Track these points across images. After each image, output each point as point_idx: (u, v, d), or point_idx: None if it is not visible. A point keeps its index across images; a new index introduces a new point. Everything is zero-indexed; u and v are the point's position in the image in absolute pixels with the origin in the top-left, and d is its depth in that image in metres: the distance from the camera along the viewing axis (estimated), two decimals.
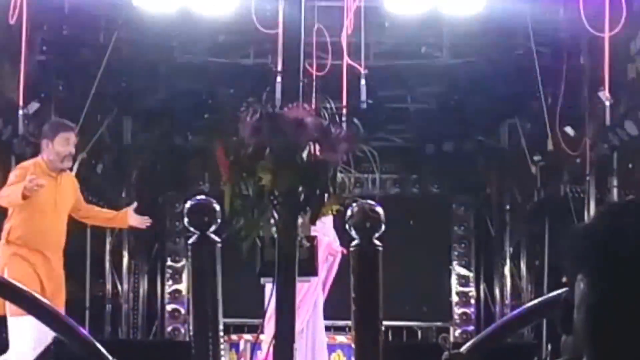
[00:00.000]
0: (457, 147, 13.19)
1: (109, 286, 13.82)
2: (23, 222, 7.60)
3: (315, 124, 3.82)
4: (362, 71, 9.24)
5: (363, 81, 9.36)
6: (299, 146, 3.82)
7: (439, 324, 13.27)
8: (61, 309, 7.45)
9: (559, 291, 2.59)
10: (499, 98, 12.09)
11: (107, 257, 13.80)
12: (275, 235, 3.99)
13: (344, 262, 7.68)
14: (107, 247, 13.80)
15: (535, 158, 11.68)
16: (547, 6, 9.50)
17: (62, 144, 7.70)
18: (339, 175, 3.90)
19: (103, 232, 13.69)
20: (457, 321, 13.23)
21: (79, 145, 11.80)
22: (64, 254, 8.60)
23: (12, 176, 7.68)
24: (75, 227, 12.92)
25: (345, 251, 7.64)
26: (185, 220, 4.09)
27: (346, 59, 9.11)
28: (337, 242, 7.72)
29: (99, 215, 8.73)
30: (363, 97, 9.22)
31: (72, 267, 13.12)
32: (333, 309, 8.12)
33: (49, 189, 7.38)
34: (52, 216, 7.71)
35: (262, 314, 7.19)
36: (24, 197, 7.21)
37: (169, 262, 14.05)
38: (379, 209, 4.00)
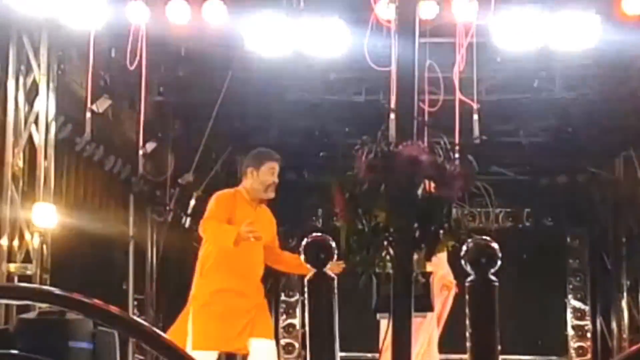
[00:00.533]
0: (571, 180, 13.07)
1: None
2: (220, 253, 7.49)
3: (430, 161, 3.87)
4: (475, 106, 9.24)
5: (476, 116, 9.36)
6: (414, 183, 3.87)
7: (554, 358, 13.11)
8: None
9: None
10: (613, 130, 11.94)
11: None
12: (391, 272, 4.04)
13: (458, 297, 7.68)
14: None
15: None
16: None
17: (267, 174, 7.69)
18: (454, 212, 3.94)
19: None
20: (573, 355, 13.05)
21: (195, 182, 12.11)
22: None
23: (214, 206, 7.56)
24: (190, 263, 13.20)
25: (458, 288, 7.64)
26: (302, 257, 4.17)
27: (458, 95, 9.13)
28: (451, 276, 7.73)
29: (290, 261, 7.99)
30: (476, 132, 9.22)
31: (187, 302, 13.40)
32: (448, 343, 8.11)
33: (248, 218, 7.24)
34: (251, 247, 7.40)
35: (375, 349, 7.24)
36: (236, 243, 7.12)
37: (282, 297, 14.18)
38: (495, 245, 4.02)
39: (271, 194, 7.67)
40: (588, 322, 13.28)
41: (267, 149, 7.94)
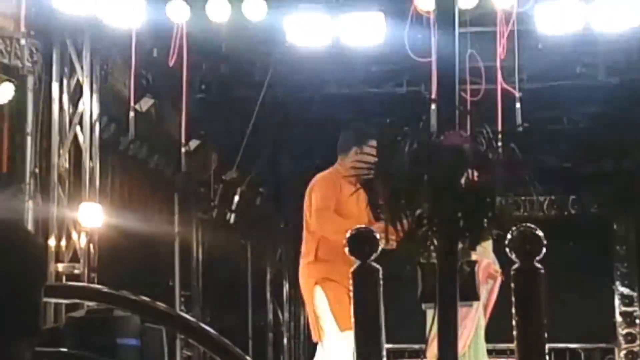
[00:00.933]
0: (616, 166, 12.95)
1: (270, 315, 14.06)
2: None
3: (473, 150, 3.86)
4: (517, 94, 9.19)
5: (518, 104, 9.31)
6: (457, 173, 3.87)
7: (603, 345, 13.03)
8: None
9: None
10: None
11: (268, 287, 14.05)
12: (436, 262, 4.04)
13: (505, 285, 7.65)
14: (268, 277, 14.07)
15: None
16: None
17: (371, 152, 7.64)
18: (498, 200, 3.93)
19: (263, 263, 13.98)
20: (622, 342, 12.96)
21: (239, 178, 12.17)
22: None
23: (319, 196, 7.71)
24: (235, 259, 13.29)
25: (503, 277, 7.60)
26: (347, 250, 4.18)
27: (500, 83, 9.08)
28: (497, 265, 7.69)
29: None
30: (518, 120, 9.16)
31: (234, 298, 13.50)
32: (494, 331, 8.08)
33: (354, 198, 7.17)
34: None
35: (422, 340, 7.22)
36: None
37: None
38: (540, 232, 4.01)
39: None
40: (636, 308, 13.18)
41: (366, 126, 7.87)
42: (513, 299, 4.09)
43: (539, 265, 4.03)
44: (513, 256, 4.05)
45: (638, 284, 13.20)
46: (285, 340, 14.16)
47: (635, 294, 13.14)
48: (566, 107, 12.09)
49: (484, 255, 6.93)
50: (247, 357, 4.03)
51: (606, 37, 9.54)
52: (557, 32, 9.21)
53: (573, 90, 11.15)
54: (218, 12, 9.19)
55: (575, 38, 9.44)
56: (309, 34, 9.39)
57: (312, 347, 14.36)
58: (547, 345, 4.15)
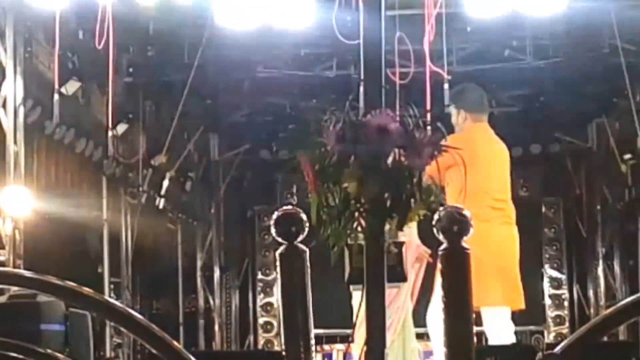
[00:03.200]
0: (545, 149, 13.07)
1: (201, 301, 13.99)
2: None
3: (399, 130, 3.82)
4: (445, 76, 9.21)
5: (446, 86, 9.33)
6: (384, 153, 3.82)
7: (532, 327, 13.14)
8: None
9: None
10: (585, 98, 11.95)
11: (199, 273, 13.97)
12: (363, 243, 4.00)
13: (429, 268, 7.64)
14: (199, 263, 13.98)
15: (625, 157, 11.52)
16: (631, 1, 9.36)
17: None
18: (425, 180, 3.90)
19: (194, 248, 13.89)
20: (551, 324, 13.09)
21: (168, 163, 12.04)
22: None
23: None
24: (165, 245, 13.18)
25: (431, 259, 7.59)
26: (273, 230, 4.11)
27: (429, 65, 9.08)
28: (423, 247, 7.66)
29: None
30: (447, 101, 9.18)
31: (164, 284, 13.40)
32: (422, 314, 8.06)
33: None
34: None
35: (350, 324, 7.20)
36: None
37: (259, 276, 14.17)
38: (467, 212, 3.98)
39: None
40: (565, 291, 13.33)
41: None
42: (440, 279, 4.06)
43: (466, 246, 4.00)
44: (440, 237, 4.01)
45: (567, 266, 13.34)
46: (216, 327, 14.10)
47: (563, 277, 13.29)
48: (495, 90, 12.14)
49: (411, 237, 6.91)
50: (175, 343, 3.96)
51: (533, 21, 9.59)
52: (486, 15, 9.24)
53: (501, 73, 11.21)
54: None
55: (504, 21, 9.48)
56: (237, 16, 9.30)
57: (243, 333, 14.37)
58: (477, 328, 4.15)
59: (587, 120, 12.83)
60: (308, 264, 4.22)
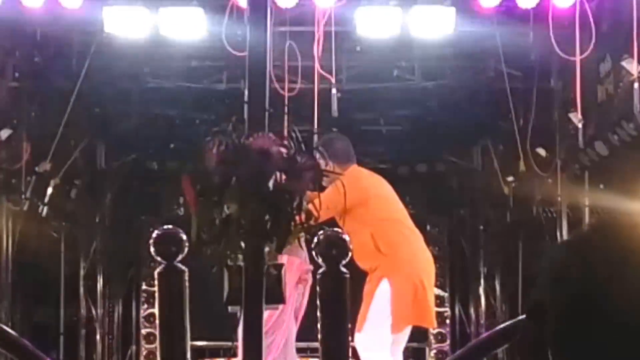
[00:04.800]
0: (430, 169, 13.27)
1: (83, 311, 13.78)
2: None
3: (281, 154, 3.85)
4: (332, 81, 9.28)
5: (334, 90, 9.38)
6: (265, 175, 3.84)
7: (414, 344, 13.27)
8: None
9: (523, 317, 2.63)
10: (471, 120, 12.17)
11: (82, 282, 13.77)
12: (242, 264, 4.01)
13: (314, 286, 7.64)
14: (82, 272, 13.78)
15: (508, 179, 11.76)
16: (517, 29, 9.58)
17: None
18: (304, 204, 3.93)
19: (77, 257, 13.68)
20: (433, 341, 13.24)
21: (52, 170, 11.85)
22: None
23: None
24: (49, 252, 12.96)
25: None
26: (152, 250, 4.10)
27: (317, 72, 9.13)
28: (308, 263, 7.64)
29: None
30: (334, 108, 9.24)
31: (46, 292, 13.17)
32: (304, 331, 8.06)
33: None
34: None
35: (230, 338, 7.17)
36: None
37: (144, 287, 14.01)
38: (345, 236, 4.03)
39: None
40: (447, 309, 13.49)
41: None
42: (318, 302, 4.10)
43: (344, 270, 4.05)
44: (319, 260, 4.05)
45: (449, 284, 13.53)
46: (98, 337, 13.90)
47: (446, 295, 13.45)
48: (383, 109, 12.29)
49: (295, 253, 6.92)
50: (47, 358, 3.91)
51: (422, 42, 9.74)
52: (375, 35, 9.36)
53: (390, 92, 11.35)
54: None
55: (393, 42, 9.61)
56: (127, 26, 9.23)
57: (126, 344, 14.21)
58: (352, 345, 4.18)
59: (472, 141, 13.06)
60: (187, 283, 4.22)
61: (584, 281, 1.58)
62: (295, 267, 7.25)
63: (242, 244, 3.96)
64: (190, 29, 9.29)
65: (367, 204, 6.97)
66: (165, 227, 4.16)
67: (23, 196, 11.42)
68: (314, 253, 4.00)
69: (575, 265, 1.60)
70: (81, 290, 13.78)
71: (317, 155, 6.77)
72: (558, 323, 1.60)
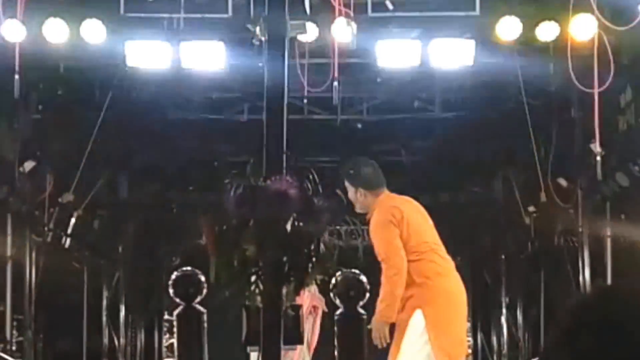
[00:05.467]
0: (452, 199, 13.24)
1: (106, 340, 13.82)
2: None
3: (298, 196, 3.87)
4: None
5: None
6: (282, 218, 3.87)
7: None
8: None
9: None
10: (491, 150, 12.17)
11: (104, 312, 13.82)
12: (260, 305, 4.03)
13: (326, 316, 7.59)
14: (104, 302, 13.83)
15: (529, 209, 11.73)
16: (537, 60, 9.58)
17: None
18: (322, 247, 3.95)
19: (100, 286, 13.74)
20: None
21: (75, 201, 11.92)
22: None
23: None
24: (71, 283, 13.02)
25: (326, 308, 7.55)
26: (171, 291, 4.13)
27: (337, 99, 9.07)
28: (318, 294, 7.60)
29: None
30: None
31: (69, 322, 13.21)
32: None
33: None
34: None
35: None
36: None
37: (166, 316, 14.05)
38: (363, 278, 4.05)
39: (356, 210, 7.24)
40: (469, 339, 13.45)
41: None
42: (336, 343, 4.12)
43: (362, 311, 4.07)
44: (337, 301, 4.07)
45: (471, 315, 13.44)
46: None
47: (468, 325, 13.36)
48: (404, 140, 12.30)
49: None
50: None
51: (442, 74, 9.76)
52: (396, 66, 9.38)
53: (410, 123, 11.36)
54: (55, 33, 9.02)
55: (413, 73, 9.63)
56: (149, 59, 9.30)
57: None
58: None
59: (493, 171, 13.04)
60: (205, 325, 4.24)
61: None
62: (306, 297, 7.25)
63: (260, 285, 3.99)
64: (211, 61, 9.34)
65: (402, 233, 6.92)
66: (184, 268, 4.20)
67: (46, 228, 11.49)
68: (331, 294, 4.02)
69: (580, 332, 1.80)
70: (104, 319, 13.82)
71: (346, 183, 6.82)
72: None
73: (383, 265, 6.47)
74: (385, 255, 6.49)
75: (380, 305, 6.40)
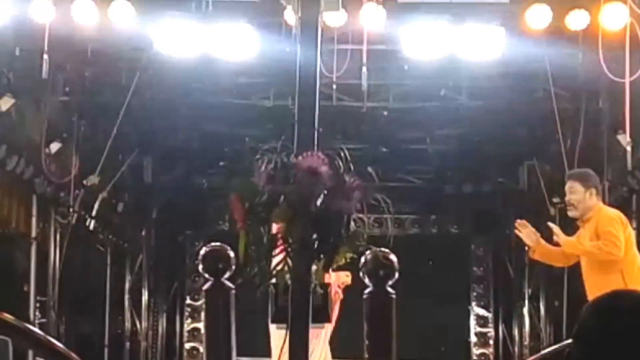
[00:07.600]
0: (476, 188, 13.20)
1: (128, 324, 13.87)
2: None
3: (329, 173, 3.86)
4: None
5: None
6: (313, 195, 3.85)
7: None
8: None
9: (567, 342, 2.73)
10: (517, 140, 12.11)
11: (127, 296, 13.86)
12: (289, 282, 4.02)
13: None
14: (127, 285, 13.87)
15: (554, 200, 11.66)
16: (566, 50, 9.51)
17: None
18: (352, 224, 3.93)
19: (123, 270, 13.78)
20: None
21: (100, 184, 11.96)
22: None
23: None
24: (94, 266, 13.06)
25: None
26: (200, 266, 4.13)
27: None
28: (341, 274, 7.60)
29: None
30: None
31: (91, 305, 13.26)
32: (342, 346, 8.01)
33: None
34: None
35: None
36: None
37: (188, 301, 14.10)
38: (393, 257, 4.03)
39: (569, 213, 7.32)
40: (490, 329, 13.44)
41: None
42: (365, 323, 4.10)
43: (391, 290, 4.04)
44: (366, 280, 4.05)
45: (493, 305, 13.47)
46: (142, 350, 13.98)
47: (490, 315, 13.40)
48: (430, 129, 12.26)
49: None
50: None
51: (470, 63, 9.70)
52: (423, 54, 9.33)
53: (437, 112, 11.31)
54: (84, 14, 9.02)
55: (440, 61, 9.58)
56: (177, 42, 9.29)
57: (169, 358, 14.26)
58: None
59: (518, 162, 12.99)
60: (233, 300, 4.23)
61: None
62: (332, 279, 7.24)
63: (289, 262, 3.97)
64: (239, 46, 9.32)
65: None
66: (213, 244, 4.18)
67: (71, 209, 11.52)
68: (361, 273, 4.00)
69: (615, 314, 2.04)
70: (126, 303, 13.87)
71: (574, 184, 6.80)
72: None
73: (605, 243, 6.50)
74: (617, 239, 6.69)
75: (584, 245, 6.81)
